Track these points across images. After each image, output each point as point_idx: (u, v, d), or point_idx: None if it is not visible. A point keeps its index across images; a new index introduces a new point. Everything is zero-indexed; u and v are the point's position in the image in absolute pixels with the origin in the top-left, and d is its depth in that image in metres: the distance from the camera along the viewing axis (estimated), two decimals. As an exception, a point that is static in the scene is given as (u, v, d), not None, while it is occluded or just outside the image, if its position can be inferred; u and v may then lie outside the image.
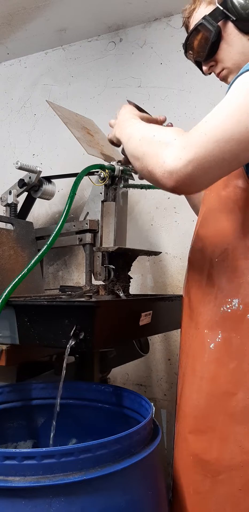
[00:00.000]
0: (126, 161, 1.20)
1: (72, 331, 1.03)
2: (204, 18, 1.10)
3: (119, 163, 1.55)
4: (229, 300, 1.05)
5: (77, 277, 2.23)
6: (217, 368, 1.05)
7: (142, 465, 0.96)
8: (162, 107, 2.04)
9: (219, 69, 1.16)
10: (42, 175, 1.80)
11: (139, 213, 2.12)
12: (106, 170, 1.48)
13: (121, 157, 1.63)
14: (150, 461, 1.00)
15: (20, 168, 1.71)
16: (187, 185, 0.86)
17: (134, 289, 2.02)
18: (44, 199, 1.89)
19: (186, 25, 1.20)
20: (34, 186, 1.82)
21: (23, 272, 1.18)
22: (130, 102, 1.23)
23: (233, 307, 1.04)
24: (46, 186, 1.85)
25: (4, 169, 2.44)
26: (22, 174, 1.81)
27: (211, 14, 1.09)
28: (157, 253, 1.57)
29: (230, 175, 0.96)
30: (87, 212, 1.60)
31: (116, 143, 1.17)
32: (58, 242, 1.46)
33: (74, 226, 1.61)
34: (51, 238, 1.19)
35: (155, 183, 0.93)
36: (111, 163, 1.54)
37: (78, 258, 2.24)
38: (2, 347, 1.20)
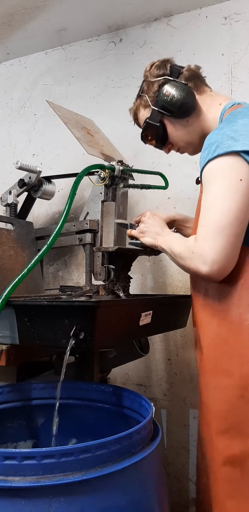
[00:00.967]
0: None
1: (72, 331, 1.03)
2: (146, 121, 1.33)
3: (119, 163, 1.55)
4: None
5: (77, 277, 2.23)
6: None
7: (142, 465, 0.96)
8: (162, 107, 2.03)
9: (176, 148, 1.38)
10: (42, 175, 1.80)
11: (138, 213, 2.11)
12: (106, 170, 1.48)
13: (121, 157, 1.63)
14: (150, 461, 1.00)
15: (20, 168, 1.71)
16: (221, 274, 1.10)
17: (134, 289, 2.02)
18: (44, 199, 1.89)
19: (137, 123, 1.41)
20: (34, 186, 1.82)
21: (23, 272, 1.18)
22: (119, 224, 1.51)
23: None
24: (46, 186, 1.85)
25: (4, 169, 2.44)
26: (22, 174, 1.81)
27: (151, 117, 1.32)
28: (157, 253, 1.56)
29: None
30: (87, 212, 1.60)
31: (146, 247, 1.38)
32: (58, 242, 1.46)
33: (74, 226, 1.61)
34: (51, 238, 1.19)
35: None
36: (111, 163, 1.54)
37: (78, 258, 2.24)
38: (2, 347, 1.20)
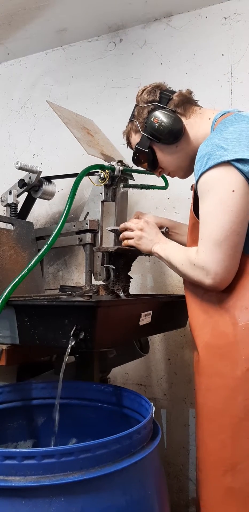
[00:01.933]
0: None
1: (72, 331, 1.03)
2: (136, 147, 1.36)
3: (119, 164, 1.55)
4: None
5: (77, 277, 2.23)
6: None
7: (142, 465, 0.97)
8: (162, 107, 2.03)
9: (167, 172, 1.41)
10: (42, 175, 1.80)
11: (139, 213, 2.12)
12: (106, 170, 1.48)
13: (121, 157, 1.63)
14: (150, 461, 1.00)
15: (20, 168, 1.71)
16: (223, 284, 1.13)
17: (134, 289, 2.02)
18: (44, 199, 1.89)
19: (130, 146, 1.44)
20: (34, 186, 1.82)
21: (23, 272, 1.18)
22: (111, 230, 1.53)
23: None
24: (46, 186, 1.85)
25: (4, 169, 2.44)
26: (22, 174, 1.81)
27: (140, 143, 1.35)
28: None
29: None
30: (87, 212, 1.60)
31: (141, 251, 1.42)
32: (58, 242, 1.46)
33: (74, 226, 1.61)
34: (51, 238, 1.19)
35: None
36: (111, 163, 1.54)
37: (78, 258, 2.24)
38: (2, 347, 1.20)
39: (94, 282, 1.57)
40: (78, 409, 1.36)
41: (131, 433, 0.96)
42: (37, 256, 1.19)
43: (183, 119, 1.30)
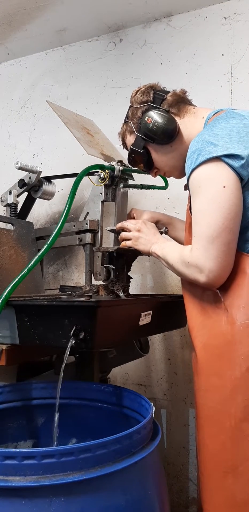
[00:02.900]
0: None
1: (72, 331, 1.03)
2: (131, 148, 1.37)
3: (119, 164, 1.55)
4: None
5: (77, 277, 2.23)
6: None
7: (142, 465, 0.97)
8: (162, 107, 2.03)
9: (162, 172, 1.42)
10: (42, 175, 1.80)
11: (139, 213, 2.12)
12: (106, 170, 1.48)
13: (121, 157, 1.63)
14: (150, 461, 1.00)
15: (20, 168, 1.71)
16: (218, 281, 1.13)
17: (134, 289, 2.02)
18: (44, 199, 1.89)
19: (125, 147, 1.45)
20: (34, 186, 1.82)
21: (23, 272, 1.18)
22: (110, 231, 1.54)
23: None
24: (46, 186, 1.85)
25: (4, 169, 2.44)
26: (22, 174, 1.81)
27: (135, 144, 1.35)
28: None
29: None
30: (87, 212, 1.60)
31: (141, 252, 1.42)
32: (58, 242, 1.46)
33: (74, 226, 1.61)
34: (51, 238, 1.19)
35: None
36: (111, 163, 1.54)
37: (78, 258, 2.24)
38: (2, 347, 1.20)
39: (94, 282, 1.57)
40: (78, 409, 1.36)
41: (131, 433, 0.96)
42: (37, 256, 1.19)
43: (177, 118, 1.30)
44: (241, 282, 1.13)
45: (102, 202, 1.57)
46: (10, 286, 1.15)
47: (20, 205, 1.90)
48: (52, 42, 2.33)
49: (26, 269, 1.18)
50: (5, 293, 1.14)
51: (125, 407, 1.30)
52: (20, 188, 1.81)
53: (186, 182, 1.20)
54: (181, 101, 1.33)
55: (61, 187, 2.17)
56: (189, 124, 1.30)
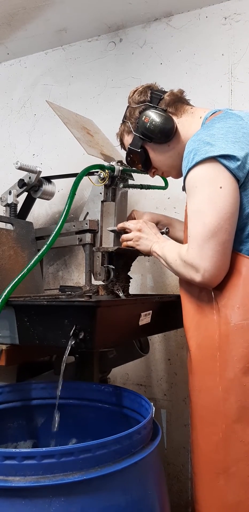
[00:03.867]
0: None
1: (72, 331, 1.03)
2: (129, 147, 1.37)
3: (119, 164, 1.55)
4: None
5: (77, 277, 2.23)
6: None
7: (142, 465, 0.96)
8: (162, 107, 2.03)
9: (160, 172, 1.42)
10: (42, 175, 1.80)
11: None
12: (106, 170, 1.48)
13: (121, 157, 1.63)
14: (150, 461, 1.00)
15: (20, 168, 1.71)
16: (214, 281, 1.12)
17: (134, 289, 2.02)
18: (44, 199, 1.89)
19: (123, 147, 1.45)
20: (34, 186, 1.82)
21: (23, 272, 1.18)
22: (111, 231, 1.55)
23: None
24: (46, 186, 1.85)
25: (4, 169, 2.44)
26: (22, 174, 1.81)
27: (133, 143, 1.35)
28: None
29: None
30: (87, 212, 1.60)
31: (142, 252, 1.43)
32: (58, 242, 1.46)
33: (74, 226, 1.61)
34: (51, 238, 1.19)
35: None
36: (111, 163, 1.54)
37: (78, 258, 2.24)
38: (2, 347, 1.20)
39: (94, 282, 1.57)
40: (78, 409, 1.36)
41: (131, 433, 0.96)
42: (37, 256, 1.19)
43: (174, 118, 1.30)
44: (236, 282, 1.13)
45: (102, 202, 1.57)
46: (10, 286, 1.15)
47: (20, 205, 1.90)
48: (52, 42, 2.33)
49: (26, 269, 1.18)
50: (4, 293, 1.14)
51: (125, 407, 1.30)
52: (20, 188, 1.81)
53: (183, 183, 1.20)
54: (179, 101, 1.33)
55: (61, 187, 2.17)
56: (186, 124, 1.30)
